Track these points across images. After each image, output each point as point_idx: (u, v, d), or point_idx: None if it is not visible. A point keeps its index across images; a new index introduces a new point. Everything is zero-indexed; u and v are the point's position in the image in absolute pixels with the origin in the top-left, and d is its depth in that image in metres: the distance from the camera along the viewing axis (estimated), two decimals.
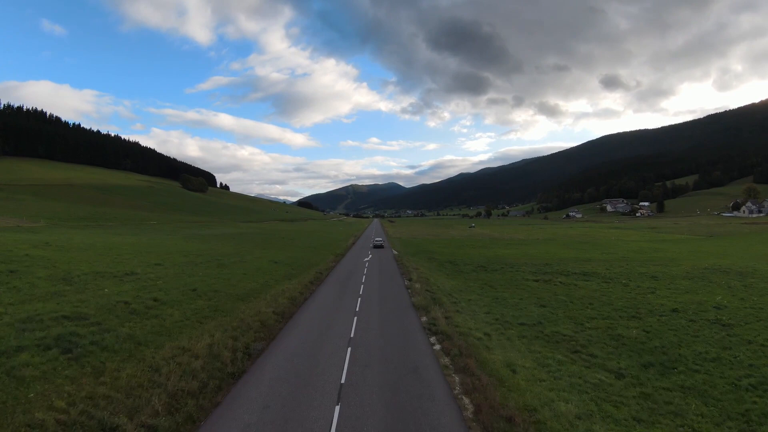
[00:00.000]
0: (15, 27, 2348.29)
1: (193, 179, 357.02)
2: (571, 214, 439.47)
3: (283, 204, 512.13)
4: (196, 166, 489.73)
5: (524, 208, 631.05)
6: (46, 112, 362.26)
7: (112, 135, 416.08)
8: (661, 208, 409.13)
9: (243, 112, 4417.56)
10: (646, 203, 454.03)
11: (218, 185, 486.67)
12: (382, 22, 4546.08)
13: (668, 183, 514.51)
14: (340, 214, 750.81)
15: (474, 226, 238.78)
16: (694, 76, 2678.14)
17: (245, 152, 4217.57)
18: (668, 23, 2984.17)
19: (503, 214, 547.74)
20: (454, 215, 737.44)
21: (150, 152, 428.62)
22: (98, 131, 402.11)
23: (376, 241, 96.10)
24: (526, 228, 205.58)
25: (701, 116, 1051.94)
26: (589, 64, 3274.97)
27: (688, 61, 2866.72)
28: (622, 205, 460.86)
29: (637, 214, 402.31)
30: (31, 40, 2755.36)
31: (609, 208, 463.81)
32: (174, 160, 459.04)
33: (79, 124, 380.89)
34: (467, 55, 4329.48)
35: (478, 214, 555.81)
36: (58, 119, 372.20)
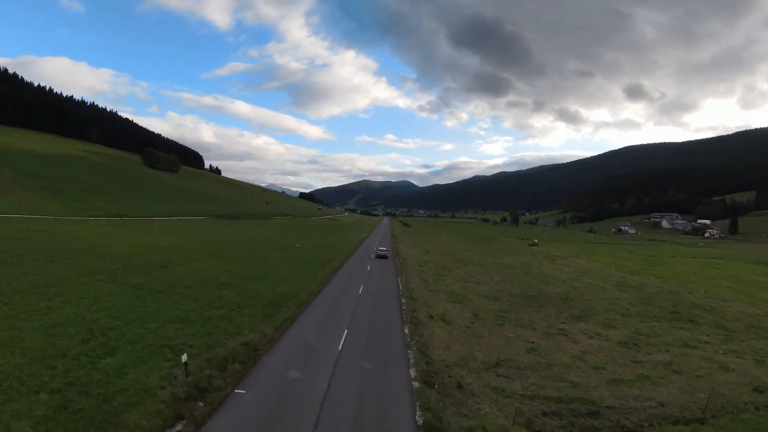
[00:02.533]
0: (33, 1, 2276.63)
1: (161, 155, 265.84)
2: (623, 228, 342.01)
3: (281, 195, 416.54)
4: (186, 145, 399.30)
5: (550, 215, 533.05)
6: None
7: (81, 101, 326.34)
8: (734, 229, 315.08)
9: (259, 100, 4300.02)
10: (707, 221, 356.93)
11: (208, 167, 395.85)
12: (403, 15, 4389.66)
13: (727, 199, 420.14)
14: (345, 209, 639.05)
15: (537, 244, 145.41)
16: (719, 92, 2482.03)
17: (260, 141, 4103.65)
18: (696, 35, 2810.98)
19: (531, 222, 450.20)
20: (470, 218, 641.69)
21: (125, 123, 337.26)
22: (63, 95, 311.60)
23: (380, 251, 69.12)
24: (621, 250, 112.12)
25: (723, 133, 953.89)
26: (613, 72, 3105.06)
27: (713, 75, 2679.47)
28: (681, 222, 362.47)
29: (706, 235, 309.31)
30: (50, 15, 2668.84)
31: (665, 224, 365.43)
32: (159, 136, 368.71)
33: (35, 84, 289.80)
34: (488, 55, 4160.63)
35: (503, 220, 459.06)
36: (15, 75, 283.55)
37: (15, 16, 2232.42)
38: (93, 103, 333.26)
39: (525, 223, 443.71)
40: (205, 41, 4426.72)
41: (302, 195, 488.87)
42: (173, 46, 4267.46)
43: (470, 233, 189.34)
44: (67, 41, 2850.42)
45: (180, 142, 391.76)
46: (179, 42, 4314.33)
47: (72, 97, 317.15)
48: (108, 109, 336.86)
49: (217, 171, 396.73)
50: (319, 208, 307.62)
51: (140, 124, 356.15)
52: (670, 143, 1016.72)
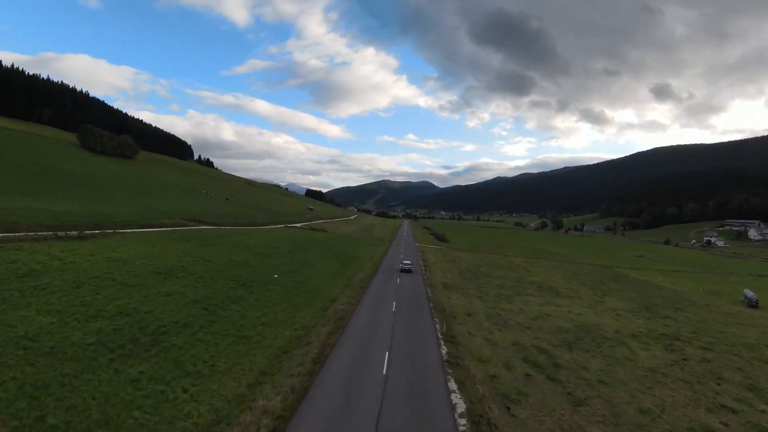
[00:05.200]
0: None
1: (106, 136, 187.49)
2: (710, 239, 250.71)
3: (276, 191, 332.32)
4: (174, 134, 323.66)
5: (587, 220, 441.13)
6: None
7: (47, 80, 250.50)
8: None
9: (279, 98, 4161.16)
10: None
11: (197, 158, 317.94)
12: (424, 11, 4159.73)
13: None
14: (359, 210, 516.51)
15: (757, 304, 61.83)
16: (747, 93, 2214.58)
17: (280, 140, 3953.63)
18: (727, 33, 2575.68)
19: (576, 228, 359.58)
20: (498, 222, 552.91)
21: (95, 104, 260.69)
22: (16, 69, 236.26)
23: (405, 264, 61.84)
24: None
25: (750, 136, 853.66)
26: (640, 71, 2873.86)
27: (742, 76, 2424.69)
28: None
29: None
30: (67, 11, 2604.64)
31: (753, 234, 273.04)
32: (139, 121, 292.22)
33: None
34: (512, 52, 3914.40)
35: (543, 225, 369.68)
36: None
37: (34, 12, 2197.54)
38: (62, 82, 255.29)
39: (570, 230, 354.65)
40: (224, 38, 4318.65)
41: (308, 193, 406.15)
42: (192, 43, 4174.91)
43: (567, 258, 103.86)
44: (87, 38, 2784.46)
45: (168, 131, 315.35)
46: (198, 39, 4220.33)
47: (37, 75, 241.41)
48: (80, 90, 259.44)
49: (208, 163, 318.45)
50: (310, 209, 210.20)
51: (116, 108, 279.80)
52: (699, 145, 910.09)
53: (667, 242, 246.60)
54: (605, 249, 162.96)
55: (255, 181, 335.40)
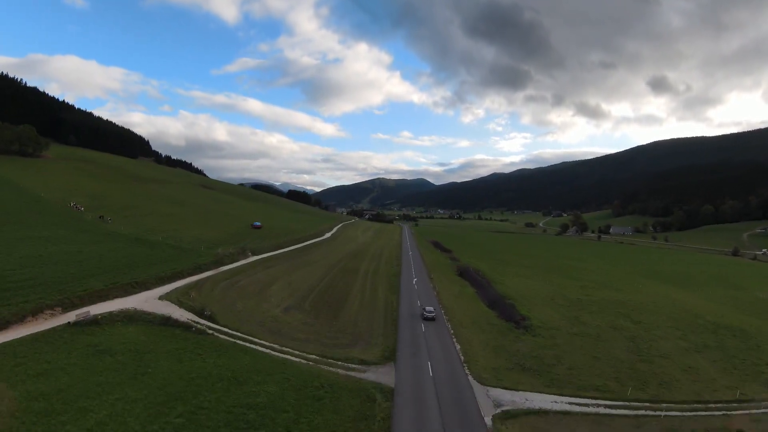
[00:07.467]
0: None
1: None
2: None
3: (251, 195, 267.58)
4: (128, 128, 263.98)
5: (600, 217, 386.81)
6: None
7: None
8: None
9: (272, 97, 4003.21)
10: None
11: (159, 157, 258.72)
12: (416, 4, 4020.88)
13: None
14: (346, 213, 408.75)
15: None
16: (744, 85, 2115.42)
17: (274, 140, 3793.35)
18: (724, 24, 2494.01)
19: (602, 231, 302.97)
20: (502, 221, 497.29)
21: (17, 89, 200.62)
22: None
23: (427, 312, 47.54)
24: None
25: (748, 129, 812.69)
26: (636, 64, 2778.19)
27: (739, 67, 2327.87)
28: None
29: None
30: (54, 12, 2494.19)
31: None
32: (88, 114, 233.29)
33: None
34: (506, 45, 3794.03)
35: (564, 229, 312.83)
36: None
37: (20, 13, 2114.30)
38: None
39: (592, 232, 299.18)
40: (213, 37, 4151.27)
41: (290, 194, 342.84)
42: (182, 42, 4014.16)
43: None
44: (75, 39, 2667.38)
45: (123, 126, 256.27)
46: (187, 38, 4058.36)
47: None
48: (10, 77, 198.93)
49: (170, 161, 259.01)
50: (255, 226, 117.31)
51: (48, 93, 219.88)
52: (701, 138, 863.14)
53: (735, 253, 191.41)
54: (704, 274, 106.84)
55: (219, 182, 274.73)
